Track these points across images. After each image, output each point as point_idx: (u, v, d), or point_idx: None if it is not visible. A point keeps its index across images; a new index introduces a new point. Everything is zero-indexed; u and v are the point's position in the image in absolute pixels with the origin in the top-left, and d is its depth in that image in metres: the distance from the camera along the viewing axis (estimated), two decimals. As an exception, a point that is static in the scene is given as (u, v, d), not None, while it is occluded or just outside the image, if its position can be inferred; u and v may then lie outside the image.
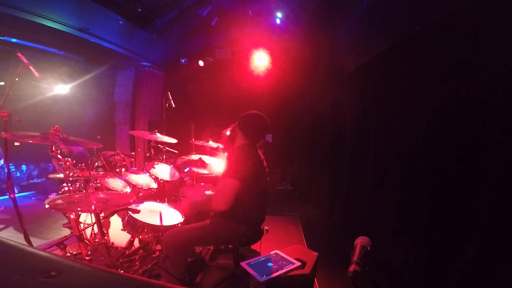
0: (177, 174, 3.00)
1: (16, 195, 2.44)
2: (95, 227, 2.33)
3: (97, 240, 2.31)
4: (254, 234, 2.10)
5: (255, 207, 2.03)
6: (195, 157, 3.13)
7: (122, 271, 1.98)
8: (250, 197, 1.95)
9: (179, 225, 2.20)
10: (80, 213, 2.31)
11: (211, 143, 3.32)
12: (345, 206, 4.08)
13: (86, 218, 2.52)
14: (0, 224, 3.56)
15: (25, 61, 2.40)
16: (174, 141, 3.17)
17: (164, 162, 3.08)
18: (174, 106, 3.69)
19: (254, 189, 1.96)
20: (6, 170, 2.49)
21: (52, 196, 2.11)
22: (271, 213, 4.25)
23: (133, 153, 4.03)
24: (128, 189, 2.60)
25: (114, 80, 6.21)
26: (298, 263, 1.80)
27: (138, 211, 2.13)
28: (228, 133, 2.20)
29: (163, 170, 2.97)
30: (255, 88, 5.57)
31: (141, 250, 2.52)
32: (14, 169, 5.87)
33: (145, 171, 2.88)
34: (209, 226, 2.01)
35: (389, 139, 3.01)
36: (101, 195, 1.90)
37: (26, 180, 6.02)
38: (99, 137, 6.39)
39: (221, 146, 3.22)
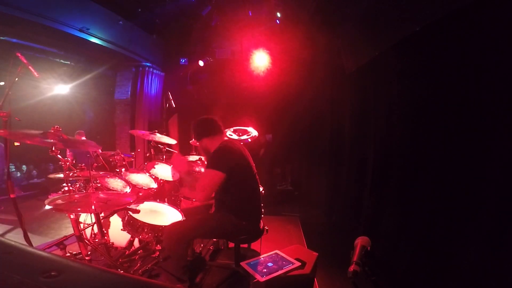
0: (177, 173, 3.00)
1: (16, 195, 2.44)
2: (95, 227, 2.33)
3: (97, 240, 2.31)
4: (254, 230, 2.13)
5: (248, 200, 2.07)
6: (194, 157, 3.13)
7: (122, 271, 1.98)
8: (239, 189, 2.00)
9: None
10: (80, 213, 2.31)
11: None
12: (345, 206, 4.07)
13: (86, 218, 2.52)
14: (0, 224, 3.56)
15: (25, 61, 2.40)
16: (173, 141, 3.17)
17: (164, 162, 3.08)
18: (174, 106, 3.69)
19: (241, 181, 2.02)
20: (6, 170, 2.49)
21: (52, 196, 2.10)
22: (271, 213, 4.29)
23: (133, 153, 4.02)
24: (128, 189, 2.60)
25: (114, 80, 6.22)
26: (298, 263, 1.80)
27: (138, 211, 2.13)
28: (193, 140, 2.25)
29: (163, 170, 2.97)
30: (255, 88, 5.56)
31: (141, 250, 2.52)
32: (14, 169, 5.86)
33: (145, 171, 2.88)
34: (210, 220, 2.06)
35: (389, 139, 3.01)
36: (101, 195, 1.90)
37: (26, 180, 6.01)
38: (99, 137, 6.38)
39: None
